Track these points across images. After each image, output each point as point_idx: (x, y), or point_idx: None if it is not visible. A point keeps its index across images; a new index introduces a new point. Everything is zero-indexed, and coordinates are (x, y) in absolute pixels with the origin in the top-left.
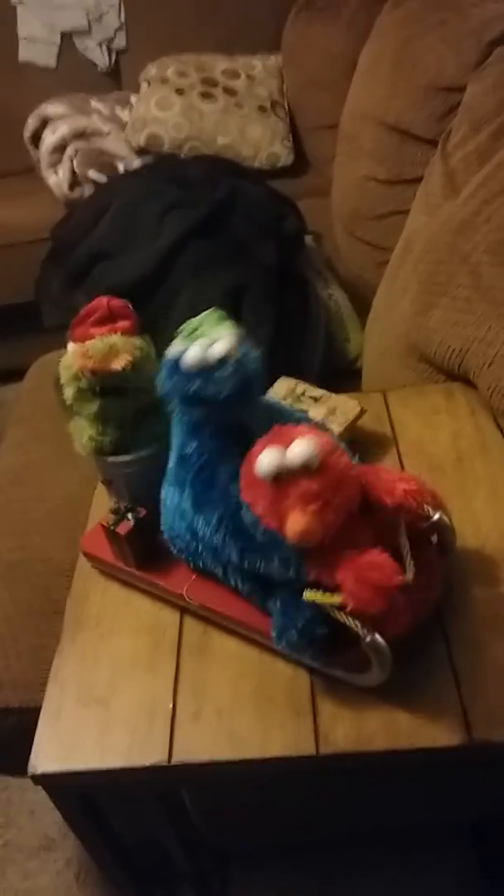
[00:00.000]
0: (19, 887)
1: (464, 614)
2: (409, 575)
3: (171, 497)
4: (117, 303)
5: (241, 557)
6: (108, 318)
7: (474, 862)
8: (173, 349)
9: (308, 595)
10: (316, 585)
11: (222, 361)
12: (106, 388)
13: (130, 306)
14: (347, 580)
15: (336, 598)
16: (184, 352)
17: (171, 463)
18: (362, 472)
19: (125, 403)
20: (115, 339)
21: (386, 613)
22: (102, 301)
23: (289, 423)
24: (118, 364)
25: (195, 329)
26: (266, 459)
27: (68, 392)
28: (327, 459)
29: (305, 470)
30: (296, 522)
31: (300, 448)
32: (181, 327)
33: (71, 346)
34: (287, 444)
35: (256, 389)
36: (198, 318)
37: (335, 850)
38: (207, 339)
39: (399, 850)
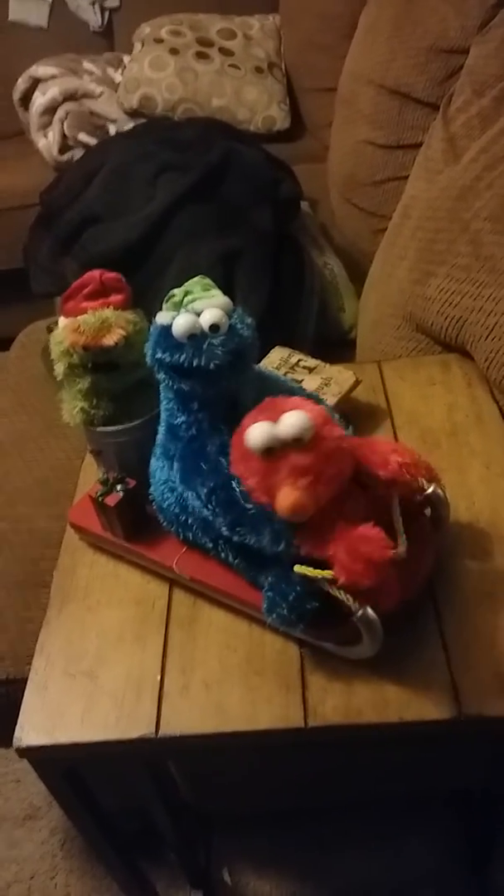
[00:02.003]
0: (5, 855)
1: (455, 588)
2: (402, 549)
3: (160, 470)
4: (110, 276)
5: (231, 530)
6: (101, 292)
7: (457, 832)
8: (161, 317)
9: (298, 569)
10: (307, 560)
11: (213, 330)
12: (98, 363)
13: (123, 279)
14: (339, 553)
15: (327, 573)
16: (171, 321)
17: (160, 436)
18: (356, 444)
19: (118, 378)
20: (108, 313)
21: (378, 587)
22: (95, 275)
23: (280, 394)
24: (111, 339)
25: (183, 297)
26: (256, 432)
27: (59, 367)
28: (320, 431)
29: (297, 443)
30: (286, 497)
31: (291, 421)
32: (167, 295)
33: (62, 320)
34: (278, 417)
35: (249, 359)
36: (184, 285)
37: (320, 819)
38: (197, 307)
39: (383, 820)
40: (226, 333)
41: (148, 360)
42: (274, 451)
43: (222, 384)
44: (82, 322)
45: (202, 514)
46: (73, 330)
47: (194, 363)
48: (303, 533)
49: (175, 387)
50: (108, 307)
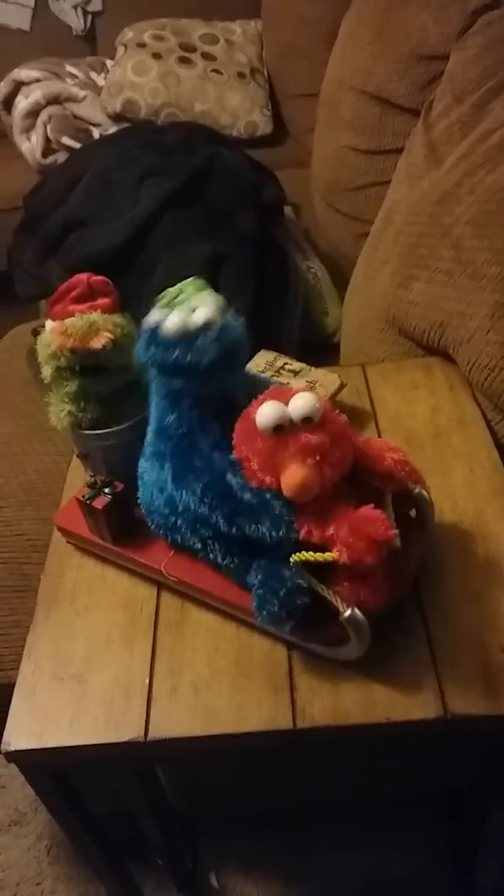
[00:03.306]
0: None
1: (441, 589)
2: (396, 540)
3: (149, 471)
4: (97, 279)
5: (229, 523)
6: (88, 296)
7: (443, 831)
8: (152, 317)
9: (297, 556)
10: (305, 546)
11: (204, 329)
12: (85, 366)
13: (110, 283)
14: (341, 531)
15: (329, 555)
16: (163, 319)
17: (149, 436)
18: (355, 438)
19: (105, 381)
20: (96, 316)
21: (373, 570)
22: (82, 278)
23: None
24: (98, 343)
25: (174, 297)
26: (268, 410)
27: (46, 371)
28: (327, 415)
29: (307, 422)
30: (295, 474)
31: (303, 401)
32: (160, 295)
33: (49, 323)
34: (287, 400)
35: (240, 358)
36: (177, 286)
37: (306, 821)
38: (188, 306)
39: (370, 823)
40: (216, 332)
41: (140, 357)
42: (283, 429)
43: (213, 383)
44: (70, 325)
45: (197, 512)
46: (60, 333)
47: (187, 359)
48: (303, 516)
49: (167, 385)
50: (95, 310)
